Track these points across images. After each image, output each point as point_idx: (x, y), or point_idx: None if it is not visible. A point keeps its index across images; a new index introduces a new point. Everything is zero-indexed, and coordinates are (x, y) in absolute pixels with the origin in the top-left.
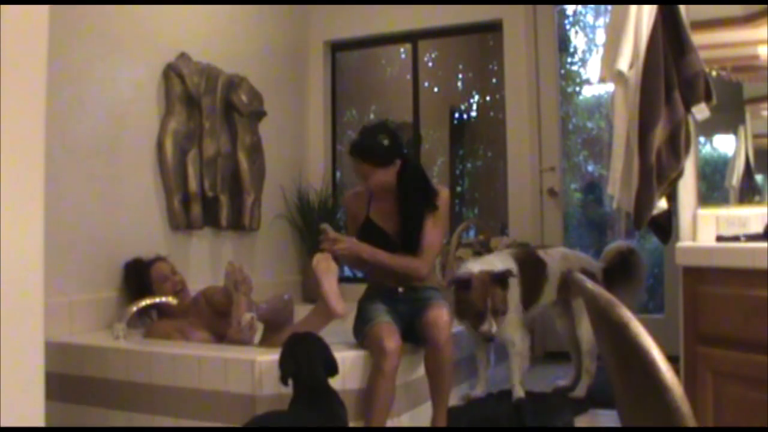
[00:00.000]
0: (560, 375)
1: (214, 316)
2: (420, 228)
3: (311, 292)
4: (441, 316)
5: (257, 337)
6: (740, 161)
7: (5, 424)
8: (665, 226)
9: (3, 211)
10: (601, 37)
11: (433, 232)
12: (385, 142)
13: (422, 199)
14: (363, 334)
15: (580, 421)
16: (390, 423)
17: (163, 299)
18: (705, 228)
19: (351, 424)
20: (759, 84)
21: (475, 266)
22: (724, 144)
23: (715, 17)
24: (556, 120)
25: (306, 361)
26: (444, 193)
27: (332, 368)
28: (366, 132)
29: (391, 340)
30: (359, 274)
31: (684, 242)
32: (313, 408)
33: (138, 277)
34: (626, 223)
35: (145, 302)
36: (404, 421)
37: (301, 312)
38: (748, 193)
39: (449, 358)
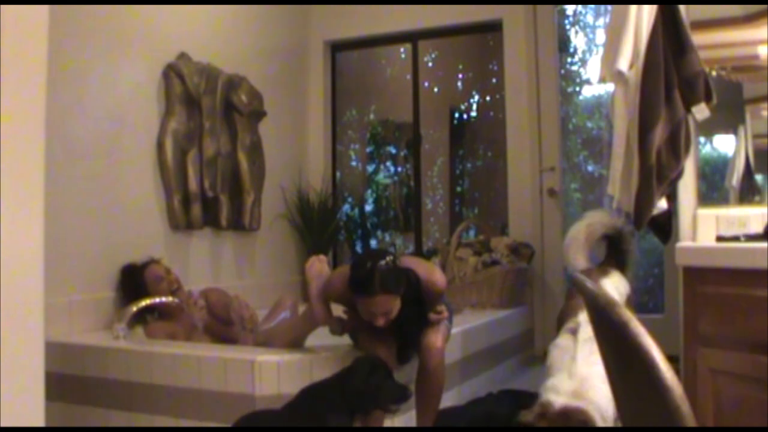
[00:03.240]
0: None
1: (213, 318)
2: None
3: None
4: (435, 342)
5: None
6: (740, 161)
7: (5, 424)
8: (665, 226)
9: (3, 211)
10: (601, 37)
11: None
12: (392, 263)
13: (420, 315)
14: (355, 339)
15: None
16: (386, 424)
17: (163, 299)
18: (705, 228)
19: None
20: (759, 84)
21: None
22: (724, 144)
23: (715, 17)
24: (556, 120)
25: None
26: (439, 281)
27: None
28: (370, 263)
29: (380, 348)
30: None
31: (684, 242)
32: (304, 410)
33: (133, 281)
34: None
35: (145, 302)
36: (400, 422)
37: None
38: (748, 193)
39: (439, 383)
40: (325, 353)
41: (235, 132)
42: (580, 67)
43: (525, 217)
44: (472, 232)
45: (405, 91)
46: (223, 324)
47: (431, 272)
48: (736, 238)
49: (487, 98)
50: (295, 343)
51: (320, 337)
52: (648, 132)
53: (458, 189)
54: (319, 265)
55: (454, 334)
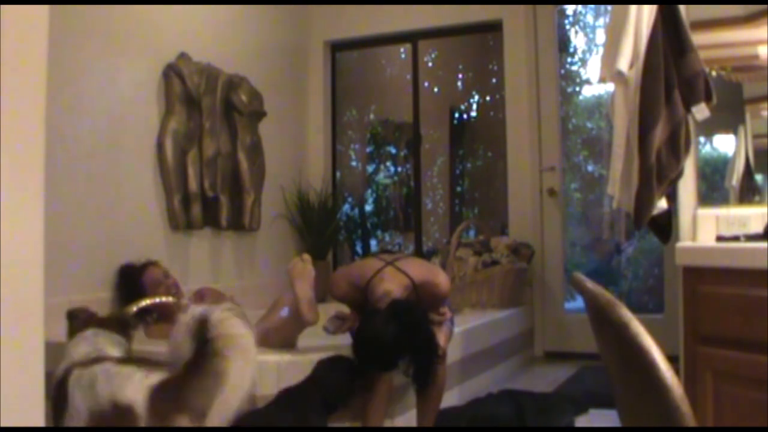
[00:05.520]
0: (560, 375)
1: None
2: None
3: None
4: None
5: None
6: (740, 161)
7: (5, 424)
8: (665, 226)
9: (3, 211)
10: (601, 37)
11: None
12: (393, 332)
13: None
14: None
15: (580, 421)
16: (387, 424)
17: (164, 299)
18: (705, 228)
19: (347, 424)
20: (759, 84)
21: None
22: (724, 144)
23: (715, 17)
24: (556, 120)
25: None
26: (443, 283)
27: (332, 402)
28: (374, 336)
29: None
30: None
31: (684, 242)
32: (285, 410)
33: (131, 283)
34: (626, 223)
35: (146, 302)
36: (400, 422)
37: None
38: (748, 193)
39: (440, 383)
40: (324, 353)
41: (235, 132)
42: (580, 67)
43: (525, 217)
44: (472, 232)
45: (405, 91)
46: None
47: (435, 275)
48: (736, 238)
49: (487, 98)
50: (285, 344)
51: (319, 337)
52: (648, 132)
53: (458, 189)
54: (301, 266)
55: (454, 334)
